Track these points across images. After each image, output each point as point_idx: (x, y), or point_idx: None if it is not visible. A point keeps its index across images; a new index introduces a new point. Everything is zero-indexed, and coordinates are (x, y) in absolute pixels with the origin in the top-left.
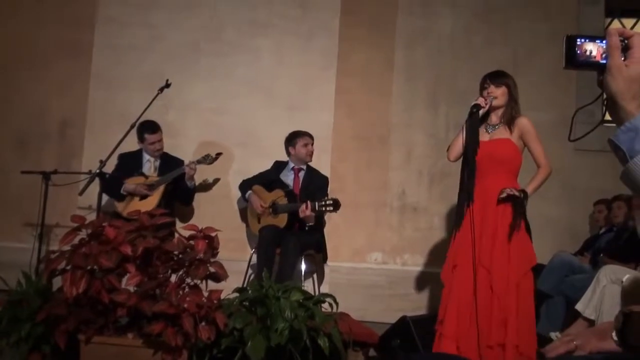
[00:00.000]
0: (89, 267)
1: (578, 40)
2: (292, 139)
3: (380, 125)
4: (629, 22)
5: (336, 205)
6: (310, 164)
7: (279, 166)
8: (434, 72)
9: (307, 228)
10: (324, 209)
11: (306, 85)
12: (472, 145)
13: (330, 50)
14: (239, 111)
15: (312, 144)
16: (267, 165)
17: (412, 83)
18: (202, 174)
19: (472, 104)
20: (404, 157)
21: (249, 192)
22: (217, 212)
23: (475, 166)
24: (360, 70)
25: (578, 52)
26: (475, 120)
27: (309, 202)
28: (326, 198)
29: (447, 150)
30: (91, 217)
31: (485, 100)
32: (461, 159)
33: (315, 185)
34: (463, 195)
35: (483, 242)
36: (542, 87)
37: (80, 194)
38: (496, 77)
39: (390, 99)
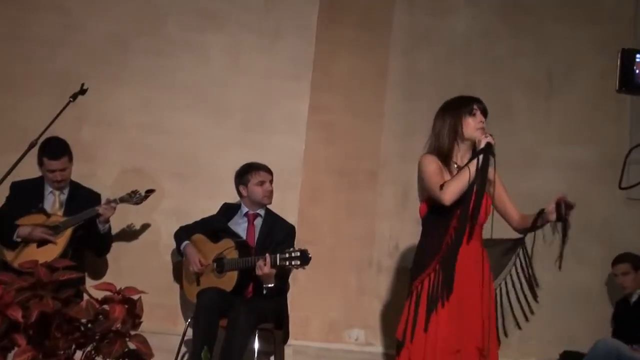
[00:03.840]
0: None
1: (638, 56)
2: (244, 174)
3: (367, 157)
4: None
5: (304, 258)
6: (270, 206)
7: (229, 210)
8: (440, 88)
9: (264, 292)
10: (287, 263)
11: (269, 99)
12: (481, 194)
13: (304, 54)
14: (178, 131)
15: (271, 181)
16: (212, 206)
17: (411, 102)
18: (124, 214)
19: (485, 141)
20: (398, 200)
21: (186, 242)
22: (141, 268)
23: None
24: (342, 83)
25: (637, 71)
26: (487, 163)
27: (268, 256)
28: (291, 249)
29: (441, 189)
30: None
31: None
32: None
33: (276, 236)
34: (453, 253)
35: (475, 320)
36: (583, 115)
37: None
38: (485, 109)
39: (382, 122)
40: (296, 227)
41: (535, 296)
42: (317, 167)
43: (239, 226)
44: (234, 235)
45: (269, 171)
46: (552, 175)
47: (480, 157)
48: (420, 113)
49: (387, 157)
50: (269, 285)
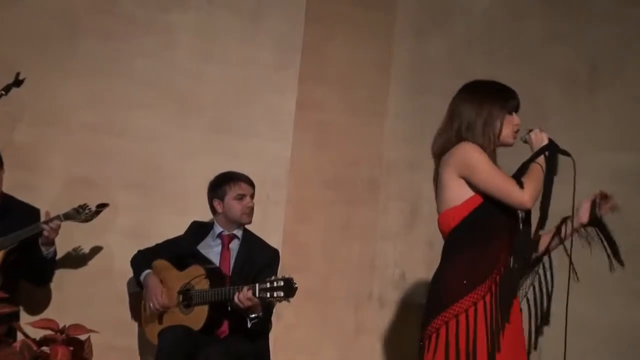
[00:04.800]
0: None
1: None
2: (220, 186)
3: (368, 164)
4: None
5: (289, 288)
6: (249, 226)
7: (199, 230)
8: (456, 81)
9: (249, 325)
10: (268, 295)
11: (248, 94)
12: (547, 201)
13: (291, 38)
14: (136, 132)
15: (252, 196)
16: (178, 225)
17: (421, 97)
18: (69, 234)
19: (544, 136)
20: (405, 218)
21: (147, 271)
22: (90, 301)
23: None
24: (337, 74)
25: None
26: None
27: (245, 289)
28: (273, 278)
29: (521, 187)
30: None
31: None
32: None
33: (256, 263)
34: (516, 275)
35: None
36: (633, 115)
37: None
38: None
39: (385, 121)
40: (280, 251)
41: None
42: (306, 178)
43: (211, 250)
44: (204, 261)
45: (250, 183)
46: (592, 188)
47: (543, 155)
48: (432, 111)
49: (392, 164)
50: (255, 315)
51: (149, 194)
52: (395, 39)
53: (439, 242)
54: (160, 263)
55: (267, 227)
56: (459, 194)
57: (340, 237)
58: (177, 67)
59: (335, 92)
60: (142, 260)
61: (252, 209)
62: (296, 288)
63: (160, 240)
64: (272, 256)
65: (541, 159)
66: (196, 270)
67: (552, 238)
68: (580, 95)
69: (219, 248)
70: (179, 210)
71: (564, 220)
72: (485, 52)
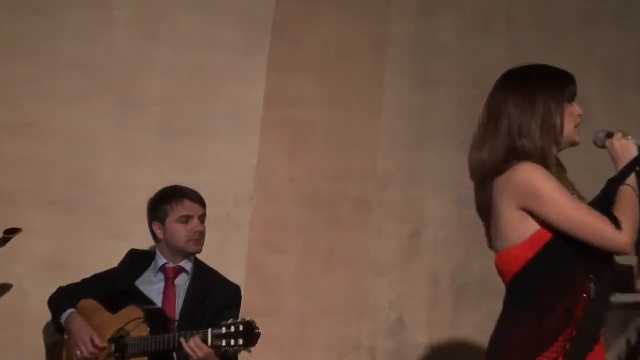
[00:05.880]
0: None
1: None
2: (159, 205)
3: (356, 176)
4: None
5: (250, 335)
6: (202, 256)
7: (138, 261)
8: (469, 70)
9: None
10: (224, 344)
11: (204, 86)
12: None
13: (259, 16)
14: (60, 134)
15: (203, 217)
16: (112, 255)
17: (425, 91)
18: None
19: (634, 143)
20: (403, 245)
21: (70, 311)
22: None
23: None
24: (318, 62)
25: None
26: None
27: (195, 337)
28: (231, 322)
29: (618, 227)
30: None
31: None
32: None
33: (211, 303)
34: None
35: None
36: None
37: None
38: None
39: (378, 121)
40: (244, 287)
41: None
42: (277, 193)
43: (153, 287)
44: (143, 300)
45: (199, 201)
46: None
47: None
48: (440, 109)
49: (388, 177)
50: None
51: (75, 213)
52: (393, 18)
53: (448, 277)
54: (87, 303)
55: (227, 257)
56: (522, 229)
57: (321, 269)
58: (115, 52)
59: (314, 84)
60: (63, 298)
61: (201, 234)
62: (259, 334)
63: (87, 274)
64: (231, 295)
65: (632, 179)
66: (133, 312)
67: None
68: (629, 88)
69: (162, 284)
70: (114, 235)
71: None
72: (505, 34)
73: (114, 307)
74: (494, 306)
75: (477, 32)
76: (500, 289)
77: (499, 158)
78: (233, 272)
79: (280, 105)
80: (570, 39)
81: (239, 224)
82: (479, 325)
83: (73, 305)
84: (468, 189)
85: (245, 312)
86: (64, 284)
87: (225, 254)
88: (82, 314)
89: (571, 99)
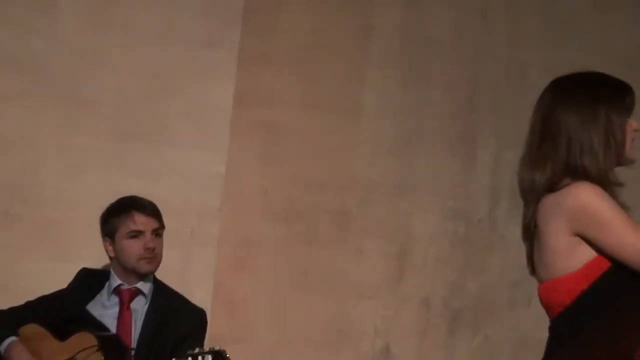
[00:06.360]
0: None
1: None
2: (110, 217)
3: (335, 186)
4: None
5: None
6: (161, 275)
7: (90, 282)
8: (466, 64)
9: None
10: None
11: (164, 83)
12: None
13: (228, 2)
14: None
15: (158, 231)
16: (60, 275)
17: (414, 89)
18: None
19: None
20: (389, 265)
21: (11, 339)
22: None
23: None
24: (293, 55)
25: None
26: None
27: None
28: (197, 351)
29: None
30: None
31: None
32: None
33: (173, 329)
34: None
35: None
36: None
37: None
38: None
39: (360, 123)
40: (210, 311)
41: None
42: (248, 206)
43: (106, 311)
44: (96, 326)
45: (152, 213)
46: None
47: None
48: (432, 109)
49: (371, 186)
50: None
51: (12, 228)
52: (377, 6)
53: (441, 300)
54: (31, 329)
55: (191, 277)
56: (575, 256)
57: (297, 292)
58: (59, 44)
59: (289, 80)
60: (3, 324)
61: (153, 251)
62: None
63: (30, 297)
64: (196, 320)
65: None
66: (84, 339)
67: None
68: None
69: (117, 309)
70: (60, 253)
71: None
72: (509, 22)
73: (62, 333)
74: (492, 332)
75: (474, 22)
76: (500, 312)
77: (556, 178)
78: (197, 294)
79: (251, 105)
80: (580, 26)
81: (204, 241)
82: (475, 353)
83: (14, 332)
84: (462, 200)
85: (211, 340)
86: (3, 307)
87: (189, 274)
88: (25, 342)
89: (630, 111)
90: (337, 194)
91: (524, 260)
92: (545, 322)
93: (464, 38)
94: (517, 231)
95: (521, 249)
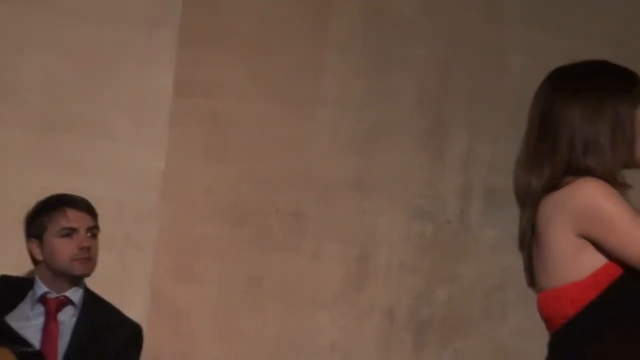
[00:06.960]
0: None
1: None
2: (37, 216)
3: (289, 184)
4: None
5: None
6: (91, 283)
7: (10, 290)
8: (445, 47)
9: None
10: None
11: (96, 68)
12: None
13: None
14: None
15: (92, 230)
16: None
17: (381, 74)
18: None
19: None
20: (349, 271)
21: None
22: None
23: None
24: (242, 36)
25: None
26: None
27: None
28: None
29: None
30: None
31: None
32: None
33: (103, 345)
34: None
35: None
36: None
37: None
38: None
39: (317, 113)
40: (146, 324)
41: None
42: (190, 206)
43: (29, 323)
44: (16, 340)
45: (86, 209)
46: None
47: None
48: (396, 97)
49: (329, 184)
50: None
51: None
52: None
53: (406, 311)
54: None
55: (125, 286)
56: (581, 262)
57: (245, 302)
58: None
59: (237, 65)
60: None
61: (88, 251)
62: None
63: None
64: (130, 335)
65: None
66: (2, 356)
67: None
68: None
69: (41, 320)
70: None
71: None
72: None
73: None
74: (463, 346)
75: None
76: (472, 324)
77: (555, 178)
78: (133, 305)
79: (193, 93)
80: (578, 11)
81: (140, 245)
82: None
83: None
84: (429, 200)
85: (149, 357)
86: None
87: (123, 283)
88: None
89: (638, 102)
90: (291, 192)
91: (499, 265)
92: (524, 334)
93: (440, 14)
94: (491, 233)
95: (496, 253)
